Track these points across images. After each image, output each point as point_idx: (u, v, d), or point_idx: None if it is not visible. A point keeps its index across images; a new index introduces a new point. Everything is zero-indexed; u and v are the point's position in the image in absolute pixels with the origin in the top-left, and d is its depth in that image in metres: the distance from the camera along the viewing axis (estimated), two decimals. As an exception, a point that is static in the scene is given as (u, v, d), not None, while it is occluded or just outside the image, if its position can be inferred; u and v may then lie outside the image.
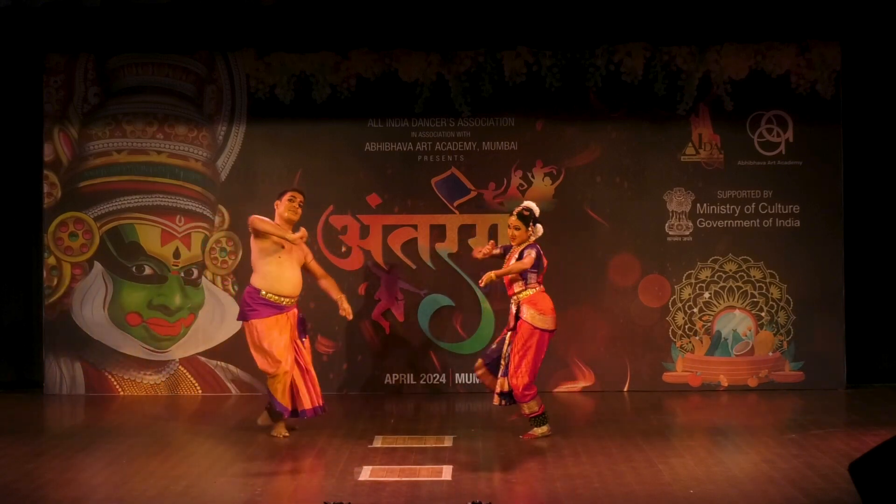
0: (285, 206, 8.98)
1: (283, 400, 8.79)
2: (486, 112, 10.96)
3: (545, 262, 8.86)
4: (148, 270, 10.95)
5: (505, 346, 8.77)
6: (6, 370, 11.25)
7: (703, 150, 10.95)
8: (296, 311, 8.99)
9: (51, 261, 10.92)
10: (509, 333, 8.77)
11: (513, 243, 8.89)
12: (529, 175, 10.94)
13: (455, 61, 10.93)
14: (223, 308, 10.93)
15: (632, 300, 10.95)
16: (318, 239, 10.88)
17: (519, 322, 8.71)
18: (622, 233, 10.96)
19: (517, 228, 8.83)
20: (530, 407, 8.72)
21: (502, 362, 8.74)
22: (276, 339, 8.80)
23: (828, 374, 10.89)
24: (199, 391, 10.97)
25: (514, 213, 8.91)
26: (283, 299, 8.85)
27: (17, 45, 10.99)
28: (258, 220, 8.86)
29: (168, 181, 10.98)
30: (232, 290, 10.92)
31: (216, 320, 10.94)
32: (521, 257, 8.74)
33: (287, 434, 8.87)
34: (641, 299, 10.96)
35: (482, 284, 8.68)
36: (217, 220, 10.97)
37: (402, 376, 10.96)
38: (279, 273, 8.86)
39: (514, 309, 8.77)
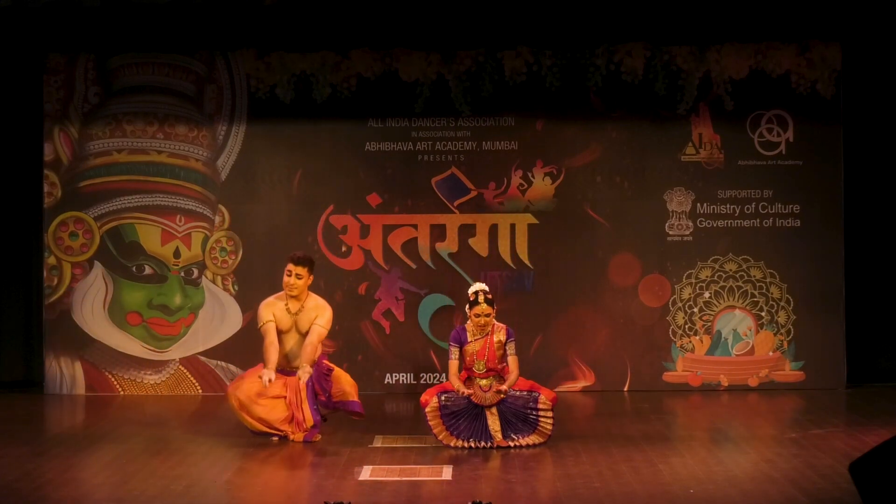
0: (284, 282, 8.65)
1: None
2: (486, 112, 10.96)
3: None
4: (148, 270, 10.95)
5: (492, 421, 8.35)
6: (6, 370, 11.24)
7: (703, 150, 10.95)
8: (300, 380, 8.49)
9: (51, 260, 10.92)
10: (494, 409, 8.35)
11: (477, 331, 8.36)
12: (529, 175, 10.94)
13: (455, 61, 10.93)
14: (223, 308, 10.93)
15: (632, 300, 10.94)
16: (319, 239, 10.88)
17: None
18: (622, 233, 10.95)
19: (488, 315, 8.33)
20: None
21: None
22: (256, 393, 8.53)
23: (828, 374, 10.88)
24: (199, 391, 10.96)
25: (482, 301, 8.27)
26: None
27: (17, 45, 10.98)
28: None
29: (168, 181, 10.97)
30: (232, 290, 10.92)
31: (216, 320, 10.93)
32: (503, 347, 8.39)
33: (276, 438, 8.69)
34: (641, 299, 10.95)
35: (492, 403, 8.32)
36: (217, 219, 10.97)
37: (402, 376, 10.96)
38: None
39: (491, 384, 8.39)
